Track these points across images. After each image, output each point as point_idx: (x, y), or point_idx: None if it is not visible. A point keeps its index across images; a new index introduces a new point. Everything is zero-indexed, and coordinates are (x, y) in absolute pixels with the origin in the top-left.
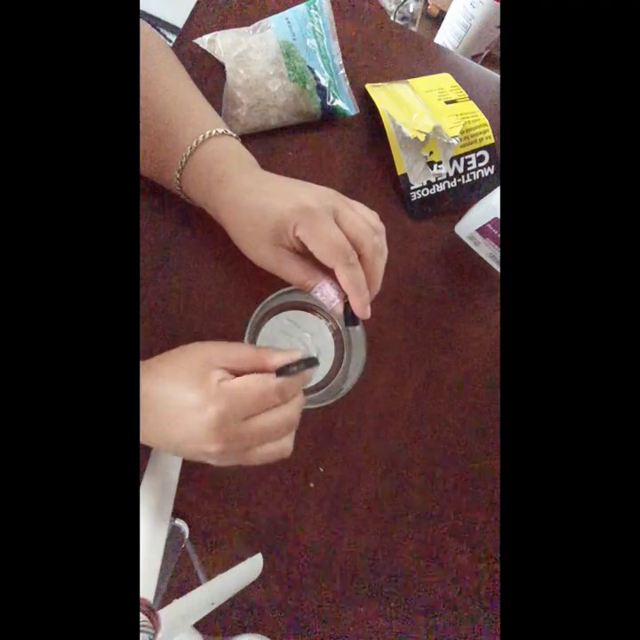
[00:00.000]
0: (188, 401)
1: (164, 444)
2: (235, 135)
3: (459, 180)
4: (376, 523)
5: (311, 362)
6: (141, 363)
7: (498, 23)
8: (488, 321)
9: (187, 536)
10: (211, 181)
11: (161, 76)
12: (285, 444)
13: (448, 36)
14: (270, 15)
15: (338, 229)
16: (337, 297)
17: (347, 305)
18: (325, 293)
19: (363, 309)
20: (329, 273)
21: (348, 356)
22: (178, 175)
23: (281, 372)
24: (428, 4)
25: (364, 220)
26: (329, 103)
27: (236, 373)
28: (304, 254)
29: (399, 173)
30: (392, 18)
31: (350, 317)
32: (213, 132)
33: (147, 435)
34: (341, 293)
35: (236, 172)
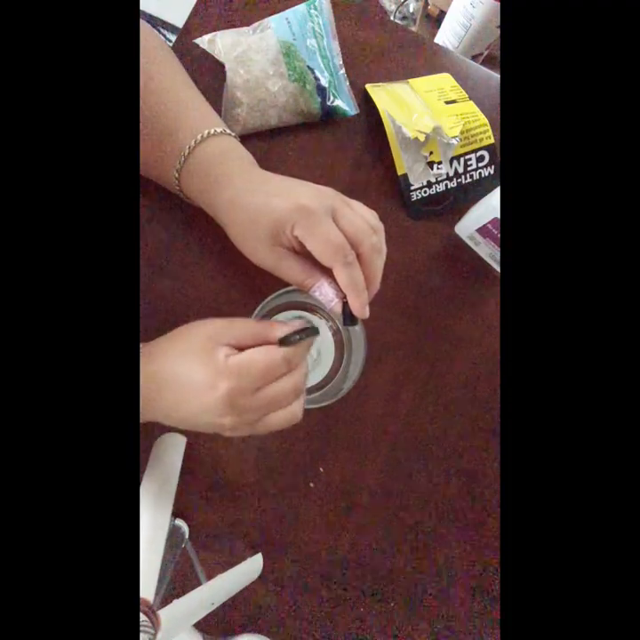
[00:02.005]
0: (199, 379)
1: (180, 421)
2: (234, 134)
3: (459, 180)
4: (376, 523)
5: (312, 331)
6: (148, 344)
7: (498, 23)
8: (488, 321)
9: (187, 536)
10: (209, 181)
11: (160, 76)
12: (295, 410)
13: (448, 35)
14: (270, 15)
15: (336, 228)
16: (335, 296)
17: (345, 304)
18: (324, 293)
19: (361, 309)
20: (328, 272)
21: (348, 356)
22: (176, 175)
23: (284, 342)
24: (428, 4)
25: (363, 218)
26: (329, 103)
27: (241, 348)
28: (303, 254)
29: (399, 173)
30: (392, 18)
31: (349, 317)
32: (212, 131)
33: (163, 411)
34: (340, 293)
35: (235, 171)
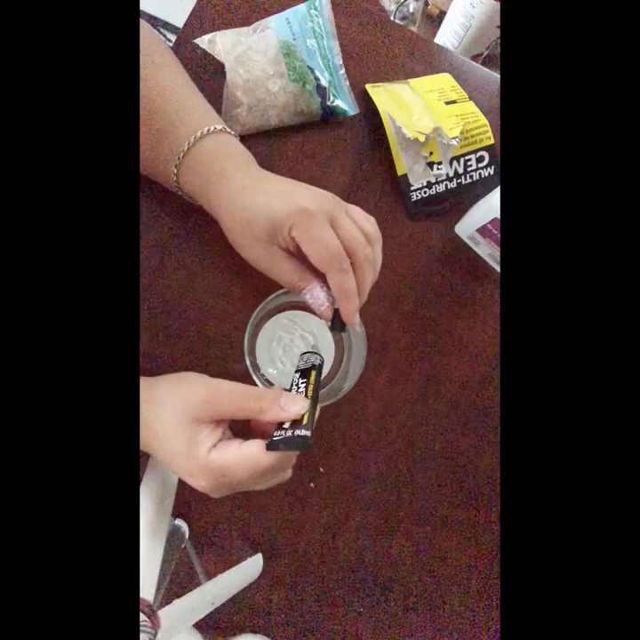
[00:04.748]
0: (181, 465)
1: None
2: (233, 133)
3: (459, 181)
4: (375, 523)
5: (304, 443)
6: (145, 379)
7: (498, 23)
8: (488, 321)
9: (187, 536)
10: (208, 178)
11: (159, 75)
12: (282, 479)
13: (448, 36)
14: (270, 15)
15: (334, 235)
16: (326, 300)
17: (337, 310)
18: (315, 296)
19: (350, 316)
20: (320, 276)
21: (348, 356)
22: (175, 171)
23: (272, 446)
24: (428, 4)
25: (360, 229)
26: (329, 103)
27: (228, 418)
28: (297, 256)
29: (399, 174)
30: (392, 18)
31: (339, 323)
32: (211, 128)
33: (145, 447)
34: (331, 298)
35: (234, 169)
